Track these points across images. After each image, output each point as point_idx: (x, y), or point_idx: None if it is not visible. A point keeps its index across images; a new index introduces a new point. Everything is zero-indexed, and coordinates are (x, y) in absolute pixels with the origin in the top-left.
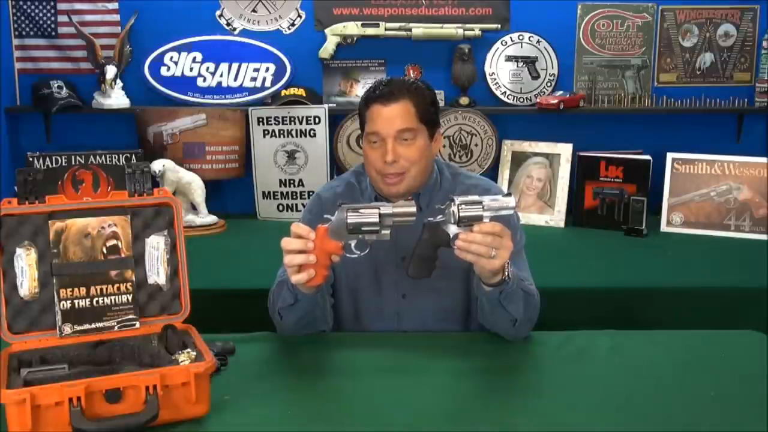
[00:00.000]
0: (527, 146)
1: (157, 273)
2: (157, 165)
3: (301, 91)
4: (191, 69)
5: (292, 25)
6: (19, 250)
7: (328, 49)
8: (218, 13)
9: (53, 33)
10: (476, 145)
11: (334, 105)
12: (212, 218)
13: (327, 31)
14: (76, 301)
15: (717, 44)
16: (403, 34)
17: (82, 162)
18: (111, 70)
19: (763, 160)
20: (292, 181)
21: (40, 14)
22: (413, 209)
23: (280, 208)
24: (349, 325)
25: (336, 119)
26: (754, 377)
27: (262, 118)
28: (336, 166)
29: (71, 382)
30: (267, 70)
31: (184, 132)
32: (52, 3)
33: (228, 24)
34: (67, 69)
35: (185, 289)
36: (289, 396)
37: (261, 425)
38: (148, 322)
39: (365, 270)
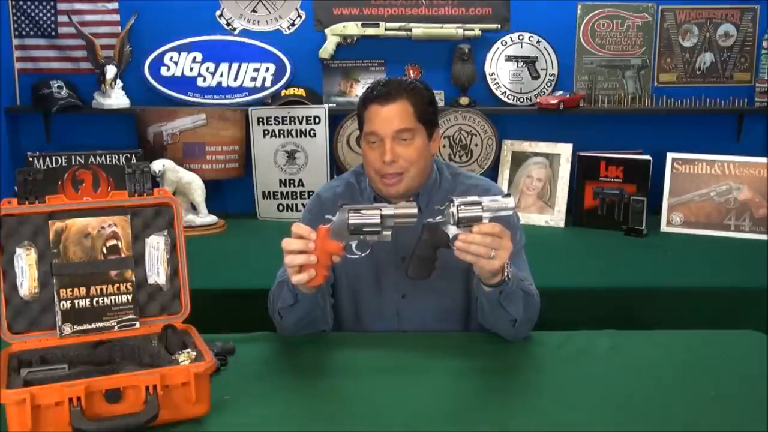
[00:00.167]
0: (527, 146)
1: (157, 273)
2: (157, 165)
3: (301, 91)
4: (191, 69)
5: (292, 25)
6: (19, 250)
7: (328, 49)
8: (218, 13)
9: (53, 33)
10: (476, 145)
11: (334, 105)
12: (212, 218)
13: (327, 31)
14: (76, 301)
15: (717, 44)
16: (403, 34)
17: (82, 162)
18: (111, 70)
19: (763, 160)
20: (292, 181)
21: (40, 14)
22: (415, 210)
23: (280, 208)
24: (349, 325)
25: (336, 119)
26: (754, 377)
27: (262, 118)
28: (336, 166)
29: (71, 382)
30: (267, 70)
31: (184, 132)
32: (52, 3)
33: (228, 24)
34: (67, 69)
35: (185, 289)
36: (289, 396)
37: (261, 425)
38: (148, 322)
39: (365, 270)
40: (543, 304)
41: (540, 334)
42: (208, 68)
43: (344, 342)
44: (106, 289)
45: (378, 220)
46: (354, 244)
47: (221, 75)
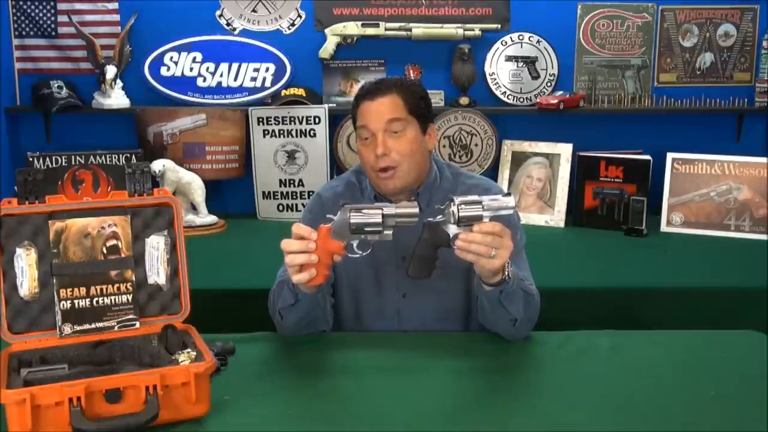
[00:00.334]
0: (527, 146)
1: (157, 273)
2: (157, 165)
3: (301, 91)
4: (191, 69)
5: (292, 25)
6: (19, 250)
7: (328, 49)
8: (218, 13)
9: (53, 33)
10: (476, 145)
11: (334, 105)
12: (212, 218)
13: (327, 31)
14: (76, 301)
15: (717, 44)
16: (403, 34)
17: (82, 162)
18: (111, 70)
19: (763, 160)
20: (292, 181)
21: (40, 14)
22: (416, 210)
23: (280, 208)
24: (349, 324)
25: (336, 119)
26: (754, 377)
27: (262, 118)
28: (336, 166)
29: (71, 382)
30: (267, 70)
31: (184, 132)
32: (52, 3)
33: (228, 24)
34: (67, 69)
35: (185, 289)
36: (289, 396)
37: (261, 425)
38: (148, 322)
39: (366, 270)
40: (543, 304)
41: (540, 334)
42: (208, 68)
43: (344, 342)
44: (106, 289)
45: (379, 220)
46: (355, 243)
47: (221, 75)
